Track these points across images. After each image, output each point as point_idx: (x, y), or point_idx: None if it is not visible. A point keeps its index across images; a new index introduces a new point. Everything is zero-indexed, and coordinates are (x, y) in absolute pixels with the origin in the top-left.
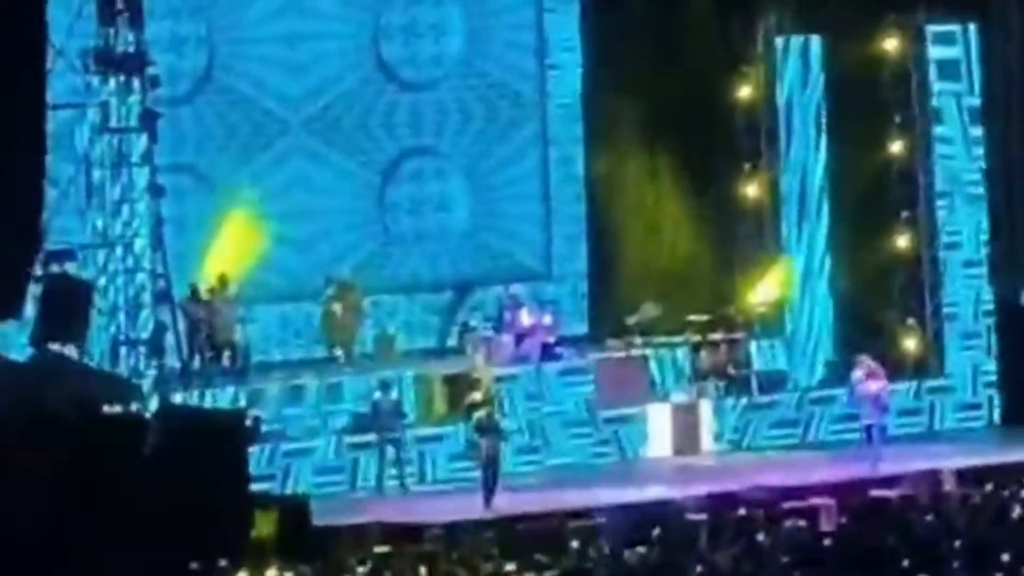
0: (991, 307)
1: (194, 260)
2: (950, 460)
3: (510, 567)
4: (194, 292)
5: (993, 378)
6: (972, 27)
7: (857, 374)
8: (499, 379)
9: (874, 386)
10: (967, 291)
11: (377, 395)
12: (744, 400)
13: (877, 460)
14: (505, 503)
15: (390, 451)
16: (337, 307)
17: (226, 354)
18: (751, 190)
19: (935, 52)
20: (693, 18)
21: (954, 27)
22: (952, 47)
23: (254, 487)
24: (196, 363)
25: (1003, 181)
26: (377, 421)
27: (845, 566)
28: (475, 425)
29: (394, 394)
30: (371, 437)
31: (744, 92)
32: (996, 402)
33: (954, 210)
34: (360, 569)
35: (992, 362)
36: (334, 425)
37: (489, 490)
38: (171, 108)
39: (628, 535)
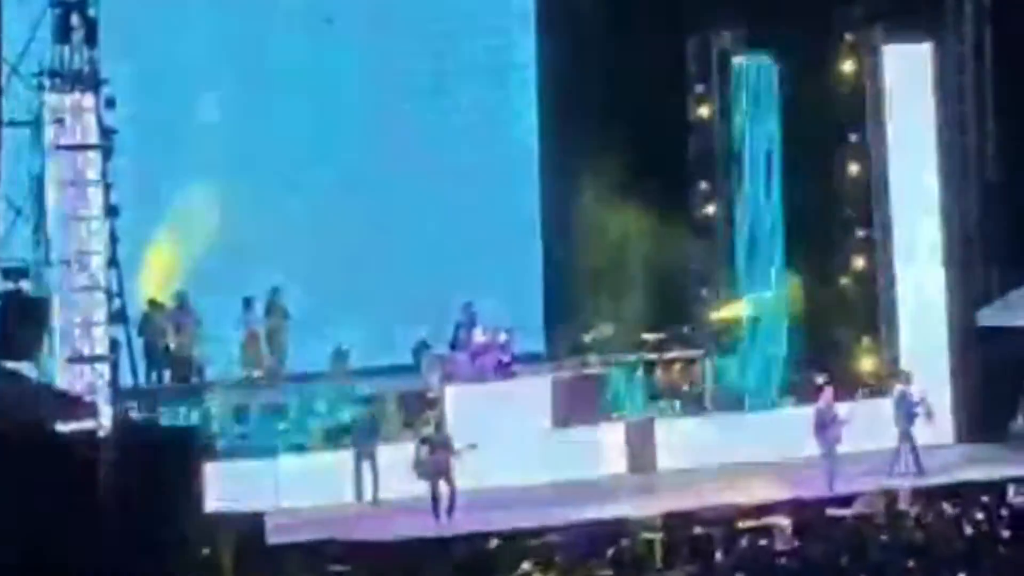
0: (947, 326)
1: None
2: (906, 479)
3: None
4: (154, 307)
5: (949, 397)
6: (927, 47)
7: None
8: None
9: (823, 404)
10: (923, 310)
11: (355, 411)
12: (698, 418)
13: (832, 478)
14: (461, 521)
15: (366, 467)
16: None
17: (182, 370)
18: (707, 210)
19: (890, 72)
20: (648, 39)
21: (909, 47)
22: (907, 67)
23: (211, 505)
24: (152, 379)
25: (959, 201)
26: (353, 437)
27: None
28: (423, 441)
29: (371, 410)
30: (335, 454)
31: (699, 112)
32: (951, 421)
33: (910, 229)
34: None
35: (948, 380)
36: (294, 441)
37: (447, 506)
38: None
39: (584, 554)
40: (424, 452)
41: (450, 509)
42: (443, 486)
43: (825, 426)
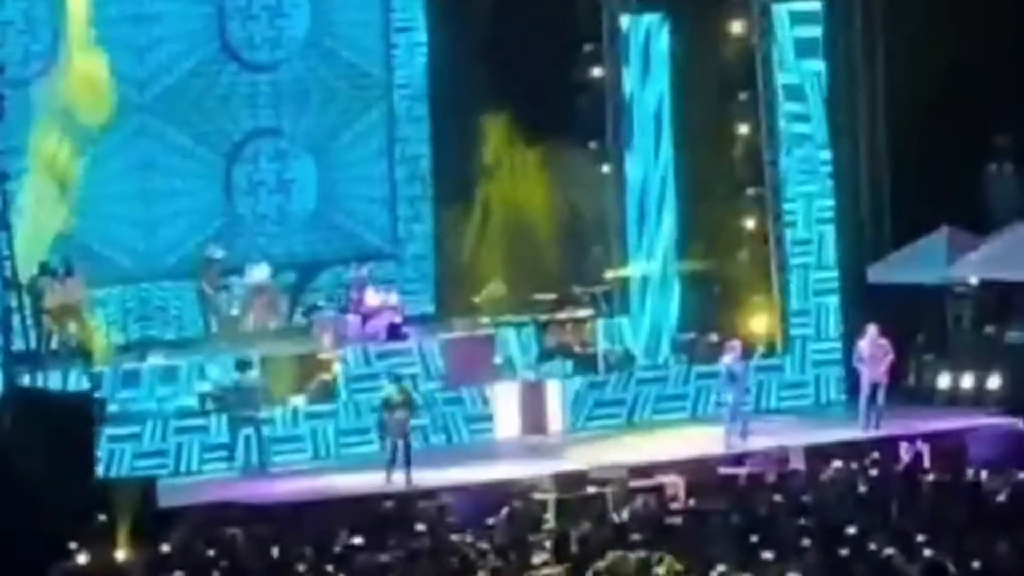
0: (838, 284)
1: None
2: (798, 437)
3: (358, 542)
4: (43, 271)
5: (835, 355)
6: (814, 6)
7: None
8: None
9: (731, 360)
10: (814, 269)
11: (236, 375)
12: (591, 378)
13: (735, 435)
14: (356, 482)
15: (249, 431)
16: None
17: (72, 335)
18: (598, 169)
19: (780, 30)
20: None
21: (799, 5)
22: (797, 25)
23: (105, 469)
24: (43, 345)
25: (850, 159)
26: (236, 401)
27: (693, 543)
28: (384, 401)
29: (254, 373)
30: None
31: (589, 71)
32: (833, 380)
33: (799, 188)
34: (209, 551)
35: (839, 339)
36: (185, 405)
37: (404, 464)
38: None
39: (476, 515)
40: (384, 413)
41: (409, 467)
42: (401, 445)
43: (734, 382)
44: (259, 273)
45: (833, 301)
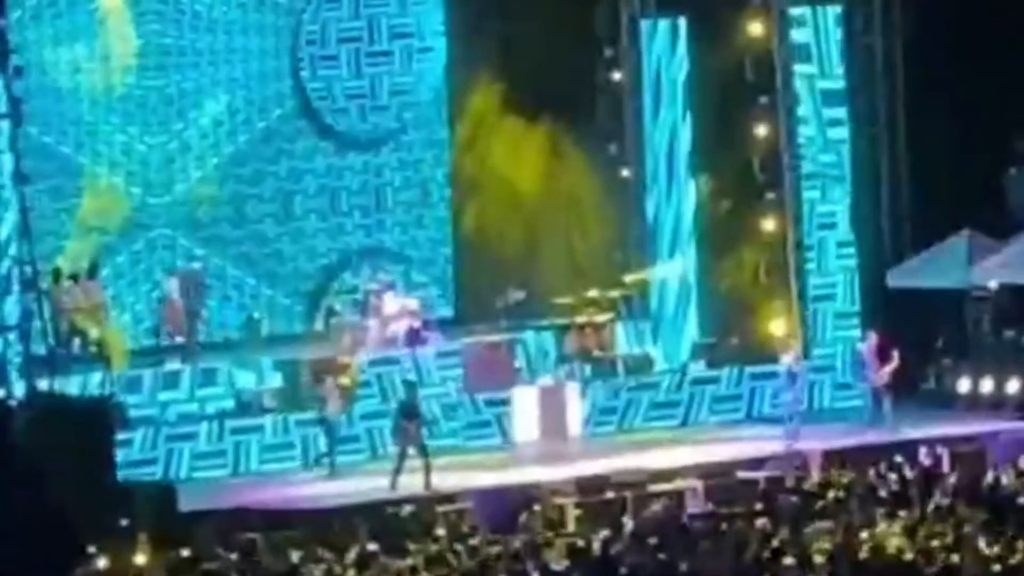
0: (858, 288)
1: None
2: (817, 441)
3: (375, 549)
4: (57, 277)
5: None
6: (834, 10)
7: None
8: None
9: (791, 361)
10: (833, 272)
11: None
12: (610, 383)
13: (794, 436)
14: (374, 486)
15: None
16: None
17: (92, 340)
18: (618, 173)
19: (796, 35)
20: (558, 0)
21: (819, 8)
22: (817, 29)
23: (132, 473)
24: (62, 349)
25: (868, 163)
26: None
27: (712, 547)
28: (400, 409)
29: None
30: (247, 422)
31: (609, 75)
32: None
33: (818, 192)
34: (230, 555)
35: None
36: (208, 410)
37: (423, 470)
38: None
39: (495, 519)
40: (402, 421)
41: (428, 473)
42: (412, 452)
43: (793, 384)
44: (169, 285)
45: (853, 306)
